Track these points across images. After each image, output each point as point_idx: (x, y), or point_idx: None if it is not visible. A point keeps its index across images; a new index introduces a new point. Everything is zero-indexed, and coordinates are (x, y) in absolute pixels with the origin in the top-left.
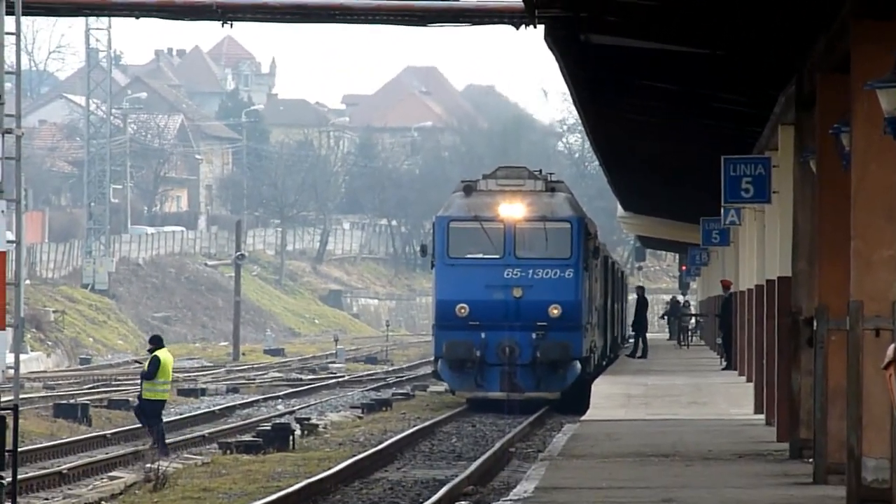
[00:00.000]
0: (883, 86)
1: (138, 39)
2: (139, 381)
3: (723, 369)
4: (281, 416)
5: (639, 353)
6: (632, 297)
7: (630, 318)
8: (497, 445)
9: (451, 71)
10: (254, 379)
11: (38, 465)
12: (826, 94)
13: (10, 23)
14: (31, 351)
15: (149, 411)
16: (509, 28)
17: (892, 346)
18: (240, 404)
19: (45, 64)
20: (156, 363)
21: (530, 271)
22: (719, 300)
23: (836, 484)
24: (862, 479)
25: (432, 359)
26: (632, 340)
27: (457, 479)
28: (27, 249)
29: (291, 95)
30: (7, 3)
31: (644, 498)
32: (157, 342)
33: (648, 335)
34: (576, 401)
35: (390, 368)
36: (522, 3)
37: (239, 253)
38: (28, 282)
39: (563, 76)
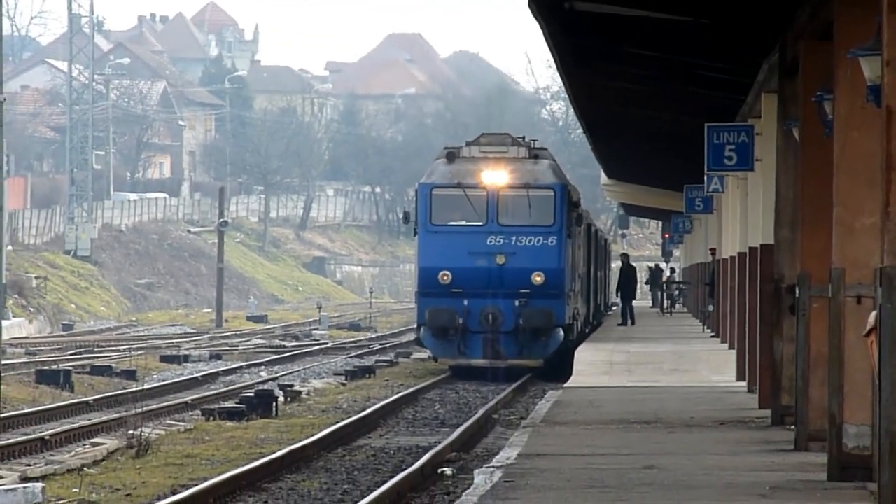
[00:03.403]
0: (865, 54)
1: (121, 5)
2: None
3: (713, 336)
4: (264, 382)
5: (627, 321)
6: (615, 264)
7: (614, 286)
8: (480, 412)
9: (435, 38)
10: (237, 346)
11: (20, 431)
12: (809, 62)
13: None
14: (13, 317)
15: None
16: None
17: (873, 314)
18: (223, 371)
19: (26, 29)
20: None
21: (513, 238)
22: (702, 268)
23: (818, 451)
24: (843, 445)
25: (415, 326)
26: (614, 308)
27: (440, 446)
28: (9, 215)
29: (275, 62)
30: None
31: (626, 464)
32: None
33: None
34: (558, 368)
35: (374, 335)
36: None
37: (222, 220)
38: (10, 248)
39: (548, 43)
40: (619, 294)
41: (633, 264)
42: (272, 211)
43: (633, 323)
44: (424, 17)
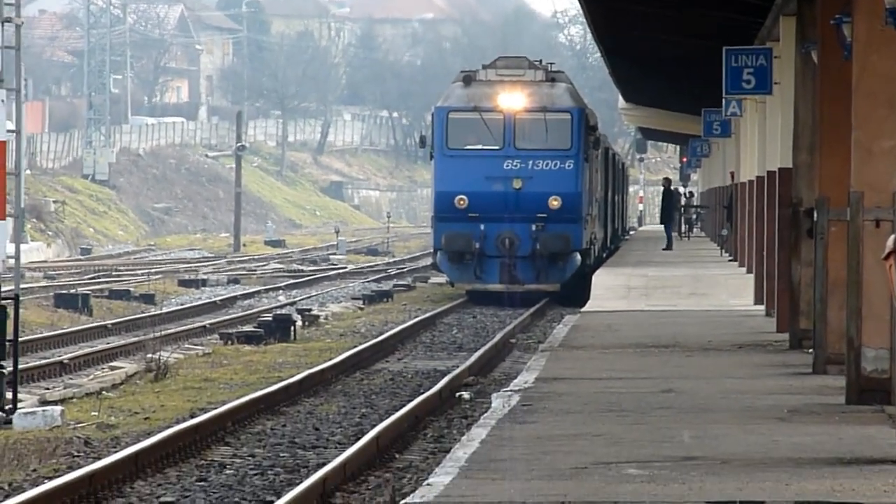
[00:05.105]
0: None
1: None
2: None
3: (730, 260)
4: (282, 307)
5: (663, 245)
6: (632, 189)
7: (631, 210)
8: (497, 337)
9: None
10: (255, 270)
11: (39, 354)
12: None
13: None
14: (32, 241)
15: None
16: None
17: (892, 237)
18: (241, 295)
19: None
20: None
21: (530, 162)
22: (721, 192)
23: (836, 374)
24: (861, 369)
25: (432, 251)
26: (632, 233)
27: (457, 370)
28: (27, 139)
29: None
30: None
31: (644, 388)
32: None
33: (650, 227)
34: (576, 292)
35: (391, 260)
36: None
37: (240, 144)
38: (28, 172)
39: None
40: (661, 219)
41: (673, 189)
42: (290, 135)
43: (669, 247)
44: None
